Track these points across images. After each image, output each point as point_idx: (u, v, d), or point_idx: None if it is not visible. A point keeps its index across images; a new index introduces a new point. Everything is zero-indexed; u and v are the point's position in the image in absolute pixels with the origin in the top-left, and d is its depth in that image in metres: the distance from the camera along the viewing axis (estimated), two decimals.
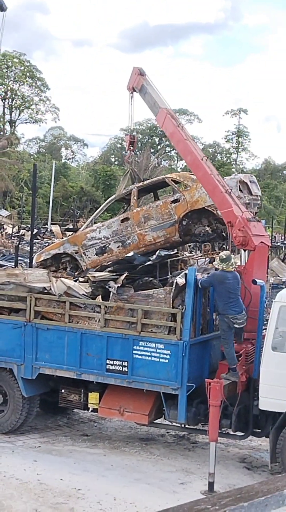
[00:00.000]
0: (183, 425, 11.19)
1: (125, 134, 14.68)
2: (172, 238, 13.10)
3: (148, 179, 13.90)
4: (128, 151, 14.32)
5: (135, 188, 13.58)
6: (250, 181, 13.26)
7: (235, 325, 10.61)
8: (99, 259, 13.53)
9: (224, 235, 13.22)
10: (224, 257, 10.80)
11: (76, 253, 13.78)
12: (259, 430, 10.90)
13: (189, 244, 27.30)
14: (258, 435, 11.09)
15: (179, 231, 12.97)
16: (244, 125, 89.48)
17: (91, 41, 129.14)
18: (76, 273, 13.76)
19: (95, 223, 14.16)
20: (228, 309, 10.62)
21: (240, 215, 11.53)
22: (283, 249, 40.60)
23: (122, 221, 13.45)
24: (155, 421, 11.45)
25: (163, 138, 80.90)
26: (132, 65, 14.18)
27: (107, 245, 13.48)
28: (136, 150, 15.00)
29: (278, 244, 42.76)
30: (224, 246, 13.63)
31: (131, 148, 14.18)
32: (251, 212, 12.33)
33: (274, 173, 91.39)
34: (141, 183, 13.75)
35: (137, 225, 13.24)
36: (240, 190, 12.73)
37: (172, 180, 13.44)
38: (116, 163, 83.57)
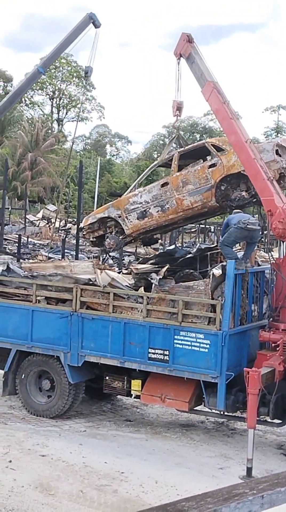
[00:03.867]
0: (222, 412, 11.34)
1: (172, 100, 14.91)
2: (209, 203, 13.00)
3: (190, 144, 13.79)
4: (175, 117, 14.05)
5: (177, 153, 13.60)
6: None
7: (248, 226, 11.22)
8: (140, 223, 13.65)
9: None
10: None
11: (119, 217, 13.86)
12: None
13: None
14: None
15: (215, 196, 12.85)
16: (283, 121, 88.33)
17: (135, 42, 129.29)
18: (120, 237, 13.96)
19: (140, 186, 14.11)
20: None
21: (281, 206, 11.25)
22: None
23: (162, 185, 13.47)
24: (195, 408, 11.63)
25: (204, 135, 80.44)
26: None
27: (148, 209, 13.52)
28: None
29: None
30: (261, 239, 13.62)
31: (178, 113, 13.89)
32: None
33: None
34: (183, 148, 13.69)
35: (176, 190, 13.21)
36: (277, 154, 12.41)
37: (212, 144, 13.26)
38: (158, 159, 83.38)
